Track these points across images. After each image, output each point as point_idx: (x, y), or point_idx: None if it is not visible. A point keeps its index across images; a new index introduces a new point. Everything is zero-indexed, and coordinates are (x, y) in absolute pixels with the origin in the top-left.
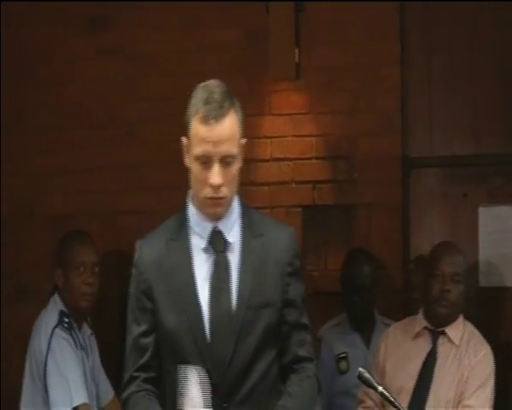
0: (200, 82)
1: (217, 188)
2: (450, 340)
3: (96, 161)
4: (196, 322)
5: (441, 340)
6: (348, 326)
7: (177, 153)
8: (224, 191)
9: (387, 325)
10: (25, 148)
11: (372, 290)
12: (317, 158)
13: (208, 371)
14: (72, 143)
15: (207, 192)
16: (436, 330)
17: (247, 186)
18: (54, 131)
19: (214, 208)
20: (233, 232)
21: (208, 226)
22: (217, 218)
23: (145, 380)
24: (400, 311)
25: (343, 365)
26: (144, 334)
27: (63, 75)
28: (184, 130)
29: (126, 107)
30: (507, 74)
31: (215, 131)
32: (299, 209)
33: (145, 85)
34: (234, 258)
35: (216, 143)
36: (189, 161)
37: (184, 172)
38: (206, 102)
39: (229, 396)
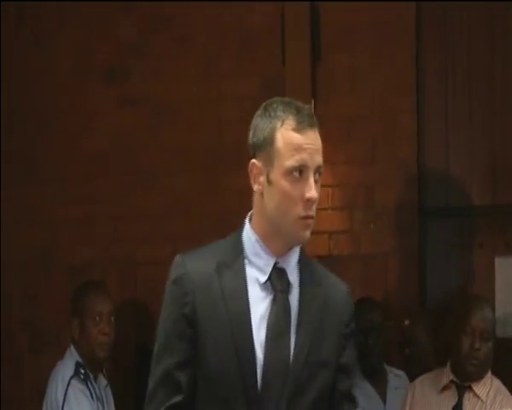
0: (220, 130)
1: (311, 204)
2: (476, 395)
3: (114, 211)
4: (249, 367)
5: (467, 395)
6: (361, 375)
7: (197, 203)
8: (314, 210)
9: (398, 376)
10: (44, 197)
11: (380, 338)
12: (333, 209)
13: None
14: (92, 193)
15: (300, 211)
16: (463, 384)
17: None
18: (74, 182)
19: (305, 231)
20: (293, 274)
21: (270, 259)
22: (303, 242)
23: None
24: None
25: None
26: (179, 366)
27: (84, 126)
28: (254, 152)
29: (146, 156)
30: None
31: (311, 139)
32: (315, 259)
33: (165, 135)
34: (293, 302)
35: (312, 151)
36: (269, 181)
37: (205, 221)
38: (298, 111)
39: None
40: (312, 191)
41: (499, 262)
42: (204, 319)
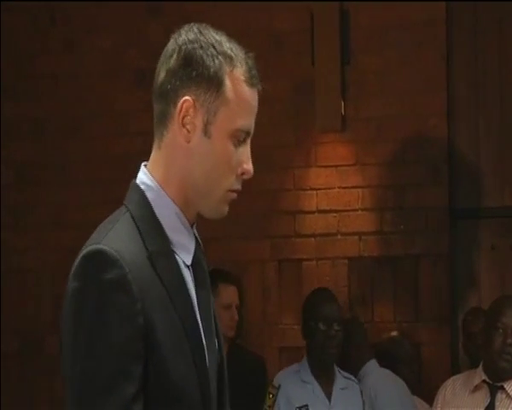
0: None
1: (245, 178)
2: (508, 396)
3: None
4: (203, 373)
5: (499, 395)
6: (310, 374)
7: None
8: None
9: (347, 379)
10: (75, 199)
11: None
12: (363, 209)
13: None
14: (122, 195)
15: (233, 182)
16: (495, 384)
17: (292, 238)
18: (103, 184)
19: (227, 206)
20: None
21: (190, 235)
22: (221, 217)
23: None
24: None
25: None
26: (138, 396)
27: (113, 129)
28: (183, 85)
29: None
30: None
31: (257, 100)
32: (345, 261)
33: None
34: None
35: (255, 115)
36: (206, 131)
37: (234, 221)
38: (248, 58)
39: None
40: (250, 164)
41: None
42: (158, 329)
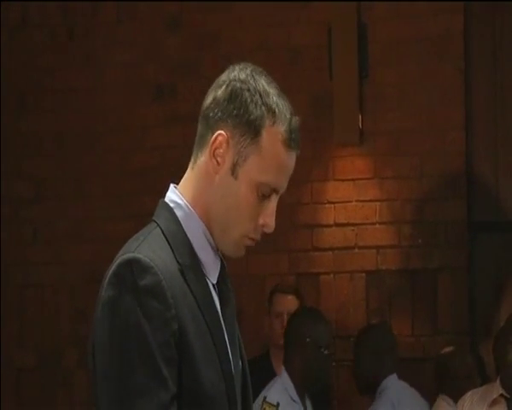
0: None
1: (264, 230)
2: None
3: None
4: (230, 381)
5: None
6: (295, 393)
7: None
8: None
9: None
10: (94, 212)
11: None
12: (380, 223)
13: None
14: (141, 208)
15: (251, 231)
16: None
17: (310, 252)
18: (123, 197)
19: (243, 250)
20: None
21: (216, 256)
22: (234, 258)
23: None
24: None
25: None
26: (173, 400)
27: (132, 142)
28: (222, 118)
29: None
30: None
31: (292, 162)
32: (363, 274)
33: None
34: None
35: (288, 176)
36: (235, 170)
37: None
38: (292, 120)
39: None
40: (272, 220)
41: None
42: (190, 336)
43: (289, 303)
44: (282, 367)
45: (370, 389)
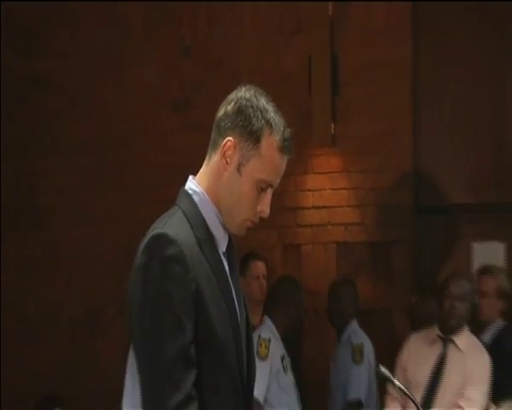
0: None
1: (261, 216)
2: (457, 347)
3: None
4: (236, 330)
5: (450, 346)
6: (276, 331)
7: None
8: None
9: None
10: (128, 200)
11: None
12: (348, 206)
13: (240, 375)
14: (164, 197)
15: (250, 216)
16: (446, 338)
17: (294, 228)
18: (149, 188)
19: (245, 230)
20: None
21: (225, 231)
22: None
23: (196, 398)
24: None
25: None
26: (191, 344)
27: (155, 145)
28: (231, 128)
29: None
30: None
31: (284, 164)
32: (335, 245)
33: None
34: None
35: (281, 174)
36: (240, 168)
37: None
38: (285, 131)
39: (250, 402)
40: (267, 208)
41: (476, 247)
42: (205, 295)
43: (263, 268)
44: (265, 316)
45: (338, 328)
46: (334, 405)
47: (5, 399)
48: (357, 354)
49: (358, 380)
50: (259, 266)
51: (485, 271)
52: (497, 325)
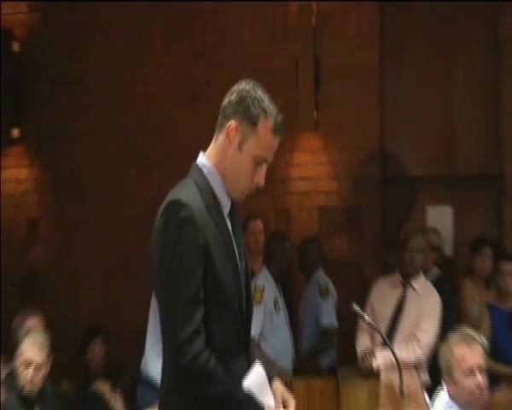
0: None
1: (258, 186)
2: (414, 289)
3: None
4: (237, 277)
5: (409, 289)
6: (271, 277)
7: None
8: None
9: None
10: (148, 175)
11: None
12: (328, 178)
13: (240, 312)
14: (180, 172)
15: (249, 186)
16: (406, 282)
17: (284, 195)
18: (167, 166)
19: (244, 197)
20: None
21: (228, 196)
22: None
23: (203, 331)
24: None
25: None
26: (201, 288)
27: (175, 129)
28: (235, 113)
29: None
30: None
31: (276, 144)
32: (317, 210)
33: None
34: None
35: (273, 152)
36: (241, 146)
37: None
38: (277, 117)
39: (248, 337)
40: (263, 179)
41: (429, 210)
42: (212, 248)
43: (259, 226)
44: (262, 265)
45: (307, 274)
46: (304, 332)
47: (58, 331)
48: (324, 292)
49: (328, 310)
50: (257, 225)
51: (422, 231)
52: (434, 272)
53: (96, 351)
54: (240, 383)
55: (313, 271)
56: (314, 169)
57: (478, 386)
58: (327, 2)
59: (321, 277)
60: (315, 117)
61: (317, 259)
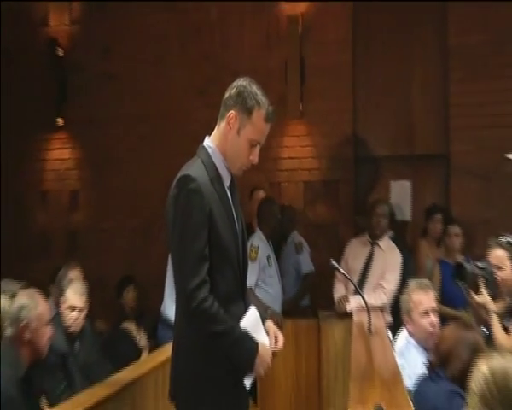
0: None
1: (253, 163)
2: (380, 247)
3: None
4: (236, 237)
5: (376, 247)
6: (264, 237)
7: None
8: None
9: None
10: (165, 155)
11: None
12: (311, 157)
13: (238, 265)
14: (191, 152)
15: (246, 164)
16: (373, 242)
17: (275, 171)
18: (182, 145)
19: (242, 172)
20: None
21: (228, 172)
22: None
23: (208, 282)
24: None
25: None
26: (206, 246)
27: (186, 118)
28: (235, 105)
29: None
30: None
31: (267, 130)
32: (302, 183)
33: None
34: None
35: (265, 136)
36: (239, 132)
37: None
38: (270, 107)
39: (244, 286)
40: (256, 158)
41: (392, 184)
42: (215, 214)
43: (261, 195)
44: (257, 228)
45: (285, 236)
46: (285, 282)
47: (94, 281)
48: (299, 247)
49: (305, 260)
50: (259, 194)
51: (385, 201)
52: (389, 235)
53: (130, 295)
54: (238, 322)
55: (289, 232)
56: (300, 150)
57: (431, 324)
58: (310, 14)
59: (295, 236)
60: (300, 108)
61: (291, 223)
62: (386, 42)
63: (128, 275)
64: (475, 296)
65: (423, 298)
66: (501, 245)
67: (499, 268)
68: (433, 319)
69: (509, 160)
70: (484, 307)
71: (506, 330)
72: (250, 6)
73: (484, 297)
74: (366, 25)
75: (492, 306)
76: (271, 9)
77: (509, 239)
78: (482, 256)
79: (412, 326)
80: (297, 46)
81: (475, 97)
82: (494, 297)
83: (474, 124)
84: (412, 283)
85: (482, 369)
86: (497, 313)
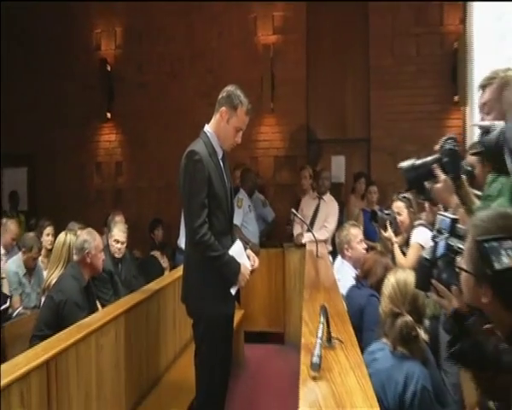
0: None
1: (238, 142)
2: (324, 200)
3: None
4: (226, 192)
5: (321, 200)
6: (248, 196)
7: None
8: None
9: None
10: (175, 142)
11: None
12: (278, 140)
13: (228, 211)
14: (195, 137)
15: (233, 143)
16: (320, 197)
17: (253, 149)
18: (191, 130)
19: (231, 148)
20: None
21: (221, 149)
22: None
23: (207, 223)
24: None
25: None
26: (206, 198)
27: (191, 117)
28: (225, 103)
29: None
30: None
31: (247, 120)
32: (272, 158)
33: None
34: None
35: (246, 124)
36: (228, 121)
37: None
38: (249, 106)
39: (232, 225)
40: (240, 139)
41: (333, 158)
42: (212, 176)
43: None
44: (240, 187)
45: (250, 196)
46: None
47: (132, 223)
48: (264, 203)
49: (270, 212)
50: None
51: (326, 169)
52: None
53: (158, 232)
54: (227, 250)
55: (254, 191)
56: (271, 135)
57: (364, 248)
58: (278, 43)
59: (259, 195)
60: (271, 106)
61: (254, 184)
62: (329, 62)
63: (156, 218)
64: (384, 233)
65: (358, 232)
66: (400, 199)
67: (399, 214)
68: (364, 245)
69: (400, 168)
70: (389, 240)
71: (404, 254)
72: (238, 38)
73: (389, 233)
74: (316, 50)
75: (395, 239)
76: (252, 40)
77: (405, 195)
78: (389, 206)
79: (351, 252)
80: (269, 65)
81: (388, 100)
82: (396, 233)
83: (387, 117)
84: (348, 223)
85: (390, 279)
86: (397, 244)
